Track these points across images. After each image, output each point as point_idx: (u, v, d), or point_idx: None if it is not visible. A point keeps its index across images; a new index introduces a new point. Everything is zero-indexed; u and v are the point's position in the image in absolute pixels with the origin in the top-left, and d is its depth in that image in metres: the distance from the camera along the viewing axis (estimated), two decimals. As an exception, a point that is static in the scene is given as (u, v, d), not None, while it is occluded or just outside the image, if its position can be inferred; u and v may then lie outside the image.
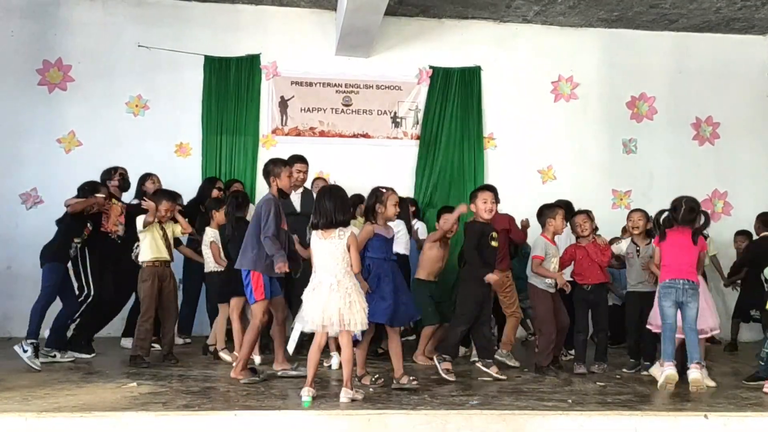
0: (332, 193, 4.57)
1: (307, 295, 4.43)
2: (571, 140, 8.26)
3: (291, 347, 5.47)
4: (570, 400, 4.52)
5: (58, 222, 5.77)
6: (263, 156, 7.75)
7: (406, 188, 7.52)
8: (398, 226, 6.33)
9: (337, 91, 7.99)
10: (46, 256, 5.68)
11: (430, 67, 8.11)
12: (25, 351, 5.28)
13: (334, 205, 4.45)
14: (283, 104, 7.91)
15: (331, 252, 4.40)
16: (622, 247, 6.04)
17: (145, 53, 7.60)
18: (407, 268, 6.39)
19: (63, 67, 7.56)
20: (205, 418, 4.00)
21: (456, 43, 8.17)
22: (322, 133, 7.94)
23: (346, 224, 4.48)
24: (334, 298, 4.31)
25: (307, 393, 4.25)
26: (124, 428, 3.92)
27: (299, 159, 6.29)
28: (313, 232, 4.51)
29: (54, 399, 4.28)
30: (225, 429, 3.96)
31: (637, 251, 5.78)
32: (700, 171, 8.34)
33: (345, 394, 4.29)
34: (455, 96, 8.11)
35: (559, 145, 8.23)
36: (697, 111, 8.46)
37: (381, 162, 7.90)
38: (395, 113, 8.07)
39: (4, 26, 7.50)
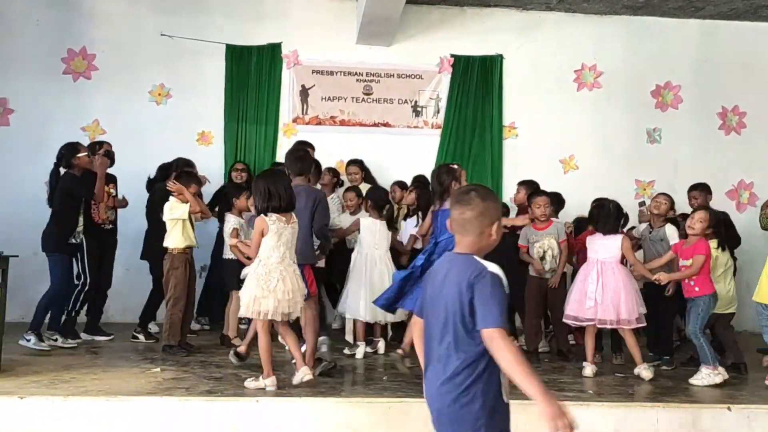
0: (284, 177, 4.55)
1: (257, 283, 4.32)
2: (594, 130, 8.17)
3: (350, 337, 5.66)
4: (591, 392, 4.52)
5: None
6: (283, 145, 7.80)
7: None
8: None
9: (357, 80, 7.97)
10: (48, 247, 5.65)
11: (452, 55, 8.05)
12: (28, 340, 5.34)
13: (289, 190, 4.43)
14: (304, 93, 7.92)
15: (291, 238, 4.41)
16: (641, 229, 5.99)
17: (167, 42, 7.64)
18: None
19: (87, 56, 7.63)
20: (228, 404, 4.06)
21: (478, 32, 8.09)
22: (342, 122, 7.93)
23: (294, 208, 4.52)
24: (288, 285, 4.32)
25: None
26: (149, 412, 4.00)
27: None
28: (270, 216, 4.36)
29: (80, 383, 4.36)
30: (248, 415, 4.01)
31: (650, 233, 5.71)
32: (725, 161, 8.20)
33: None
34: (476, 85, 8.05)
35: (582, 134, 8.14)
36: (723, 100, 8.32)
37: (401, 151, 7.86)
38: (416, 102, 8.04)
39: (30, 15, 7.58)
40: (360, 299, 5.58)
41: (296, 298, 4.37)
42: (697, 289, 5.03)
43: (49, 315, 5.65)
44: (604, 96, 8.22)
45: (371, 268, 5.63)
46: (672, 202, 5.82)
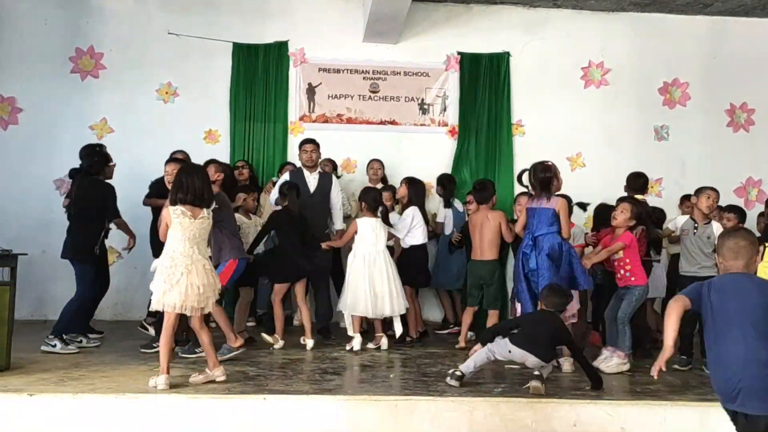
0: (201, 172, 4.62)
1: (161, 276, 4.33)
2: (601, 127, 8.14)
3: (351, 330, 5.74)
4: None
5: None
6: (291, 143, 7.81)
7: (432, 176, 7.46)
8: (417, 214, 6.24)
9: (364, 78, 7.97)
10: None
11: (459, 53, 8.05)
12: (53, 345, 5.33)
13: (203, 184, 4.50)
14: (311, 91, 7.92)
15: (200, 232, 4.45)
16: (678, 223, 5.91)
17: (174, 41, 7.66)
18: (426, 259, 6.34)
19: (95, 55, 7.66)
20: (235, 401, 4.07)
21: (485, 29, 8.07)
22: (349, 120, 7.94)
23: (210, 205, 4.58)
24: (201, 279, 4.37)
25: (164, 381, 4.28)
26: (157, 410, 4.02)
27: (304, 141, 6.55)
28: (175, 209, 4.38)
29: (89, 380, 4.39)
30: (254, 412, 4.03)
31: (695, 229, 5.65)
32: (733, 158, 8.16)
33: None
34: (483, 83, 8.03)
35: (589, 132, 8.11)
36: (731, 97, 8.28)
37: (408, 149, 7.88)
38: (423, 100, 8.03)
39: (38, 14, 7.61)
40: (361, 296, 5.68)
41: (207, 293, 4.40)
42: (633, 279, 5.23)
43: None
44: (611, 93, 8.20)
45: (371, 265, 5.74)
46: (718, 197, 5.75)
